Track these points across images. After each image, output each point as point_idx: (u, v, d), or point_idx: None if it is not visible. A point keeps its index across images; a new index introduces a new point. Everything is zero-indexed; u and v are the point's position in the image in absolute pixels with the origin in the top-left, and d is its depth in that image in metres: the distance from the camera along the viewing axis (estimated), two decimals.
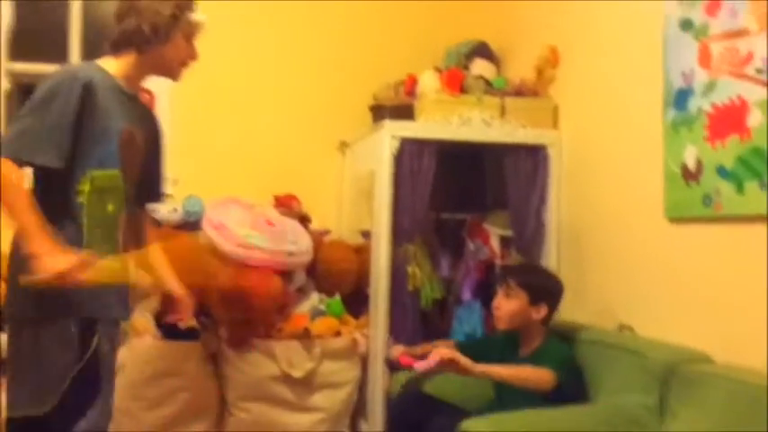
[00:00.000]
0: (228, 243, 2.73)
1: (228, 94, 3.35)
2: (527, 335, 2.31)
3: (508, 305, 2.26)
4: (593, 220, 2.74)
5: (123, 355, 2.39)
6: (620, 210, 2.60)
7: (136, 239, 1.95)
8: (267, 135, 3.36)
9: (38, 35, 3.34)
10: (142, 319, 2.55)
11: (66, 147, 1.68)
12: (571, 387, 2.16)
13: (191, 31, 1.87)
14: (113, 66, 1.82)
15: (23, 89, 3.23)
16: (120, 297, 1.84)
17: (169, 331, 2.56)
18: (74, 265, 1.59)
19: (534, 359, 2.22)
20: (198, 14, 1.88)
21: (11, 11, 3.19)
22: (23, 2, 3.24)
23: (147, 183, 1.95)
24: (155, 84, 3.20)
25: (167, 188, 3.13)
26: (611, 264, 2.63)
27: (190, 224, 2.89)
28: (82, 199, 1.71)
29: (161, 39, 1.81)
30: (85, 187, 1.71)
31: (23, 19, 3.25)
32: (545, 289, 2.30)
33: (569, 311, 2.80)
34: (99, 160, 1.73)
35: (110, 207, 1.76)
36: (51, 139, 1.66)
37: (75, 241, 1.69)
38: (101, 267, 1.65)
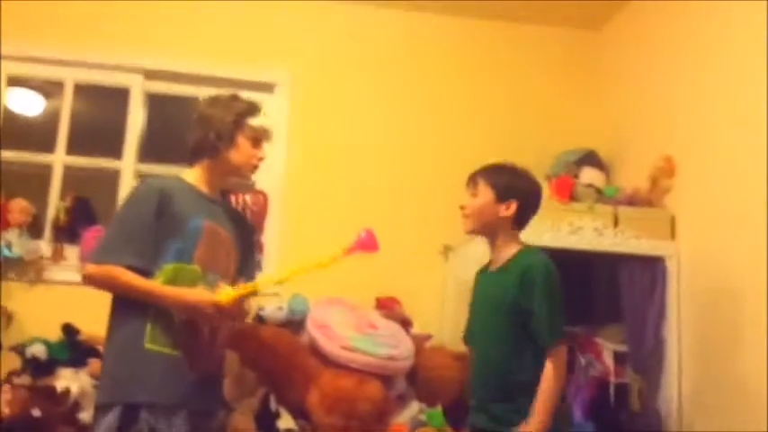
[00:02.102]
0: (332, 344, 2.70)
1: (335, 196, 3.45)
2: (498, 244, 2.07)
3: (473, 202, 2.08)
4: (719, 339, 2.55)
5: None
6: (749, 328, 2.40)
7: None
8: None
9: (165, 138, 3.60)
10: (243, 417, 2.53)
11: (145, 247, 1.83)
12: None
13: (255, 135, 2.00)
14: (191, 175, 2.00)
15: None
16: (204, 387, 1.89)
17: None
18: (210, 295, 1.78)
19: (509, 269, 2.01)
20: (262, 119, 2.03)
21: (143, 114, 3.48)
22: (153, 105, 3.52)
23: (243, 278, 2.05)
24: (267, 185, 3.42)
25: (273, 288, 3.25)
26: (740, 387, 2.40)
27: (294, 323, 2.90)
28: None
29: (226, 144, 1.96)
30: (158, 280, 1.81)
31: (152, 122, 3.52)
32: (513, 186, 2.07)
33: None
34: (174, 256, 1.84)
35: None
36: (133, 242, 1.83)
37: (138, 335, 1.79)
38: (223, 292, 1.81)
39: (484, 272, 2.17)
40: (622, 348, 2.81)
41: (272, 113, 3.48)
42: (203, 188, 1.99)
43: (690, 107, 2.89)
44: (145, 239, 1.83)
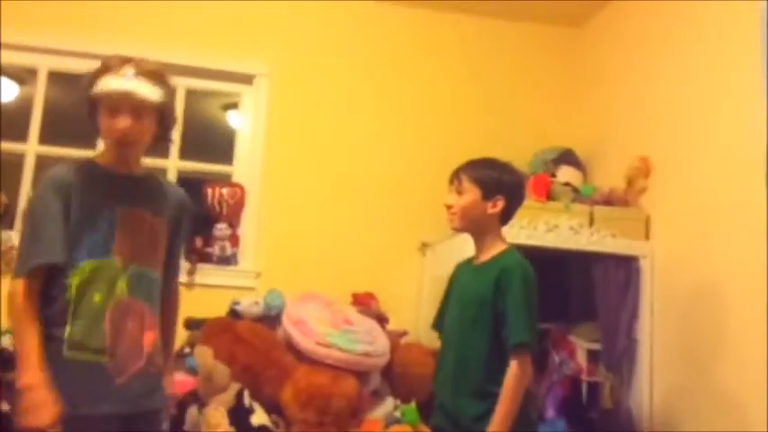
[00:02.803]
0: (307, 340, 2.70)
1: (313, 192, 3.43)
2: (484, 240, 2.04)
3: (460, 201, 2.02)
4: (692, 338, 2.57)
5: None
6: (722, 328, 2.43)
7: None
8: (349, 233, 3.40)
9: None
10: (216, 412, 2.51)
11: (62, 241, 1.67)
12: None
13: (108, 101, 1.70)
14: (101, 155, 1.82)
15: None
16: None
17: (242, 427, 2.50)
18: (54, 419, 1.57)
19: (490, 266, 1.97)
20: (115, 82, 1.69)
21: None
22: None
23: (170, 258, 1.88)
24: (245, 177, 3.39)
25: (248, 281, 3.23)
26: (713, 387, 2.44)
27: (270, 318, 2.88)
28: (70, 293, 1.67)
29: (92, 119, 1.74)
30: (74, 280, 1.67)
31: None
32: (500, 182, 2.02)
33: None
34: (88, 251, 1.69)
35: (96, 297, 1.68)
36: (47, 239, 1.66)
37: (57, 344, 1.65)
38: None
39: (466, 265, 2.15)
40: (595, 346, 2.83)
41: (251, 105, 3.49)
42: (116, 167, 1.78)
43: (667, 107, 2.91)
44: (58, 233, 1.66)
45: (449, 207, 2.07)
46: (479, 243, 2.07)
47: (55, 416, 1.58)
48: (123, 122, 1.70)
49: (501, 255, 2.02)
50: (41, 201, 1.71)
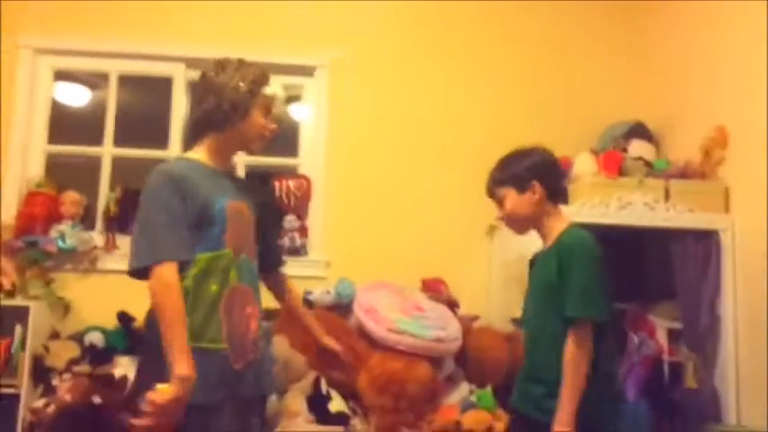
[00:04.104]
0: (379, 327, 2.72)
1: (377, 180, 3.43)
2: (543, 227, 1.99)
3: (503, 211, 2.00)
4: None
5: None
6: None
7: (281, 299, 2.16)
8: (416, 219, 3.39)
9: None
10: (295, 400, 2.56)
11: (187, 239, 1.73)
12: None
13: (267, 104, 1.91)
14: (199, 154, 1.87)
15: None
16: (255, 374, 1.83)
17: (321, 414, 2.55)
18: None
19: (552, 250, 1.91)
20: (273, 87, 1.94)
21: (186, 103, 3.51)
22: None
23: (268, 250, 2.01)
24: (310, 169, 3.43)
25: (318, 270, 3.27)
26: None
27: (341, 306, 2.92)
28: (187, 283, 1.72)
29: (240, 115, 1.85)
30: (192, 271, 1.73)
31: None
32: (525, 169, 1.97)
33: (750, 416, 2.51)
34: (205, 243, 1.75)
35: (213, 287, 1.75)
36: (175, 236, 1.72)
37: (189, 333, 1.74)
38: None
39: (538, 254, 2.10)
40: (676, 325, 2.75)
41: (312, 97, 3.52)
42: (215, 165, 1.87)
43: (741, 74, 2.78)
44: (184, 231, 1.73)
45: (500, 219, 2.07)
46: (542, 232, 2.03)
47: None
48: (274, 124, 1.94)
49: (561, 235, 1.97)
50: (162, 195, 1.74)
